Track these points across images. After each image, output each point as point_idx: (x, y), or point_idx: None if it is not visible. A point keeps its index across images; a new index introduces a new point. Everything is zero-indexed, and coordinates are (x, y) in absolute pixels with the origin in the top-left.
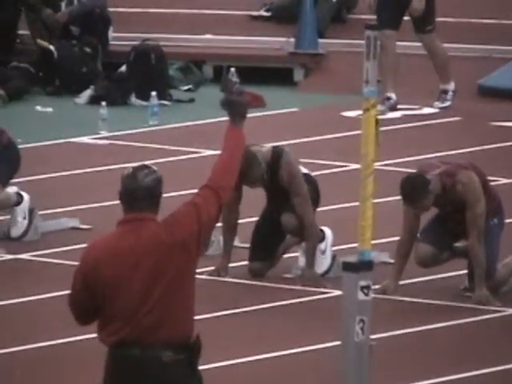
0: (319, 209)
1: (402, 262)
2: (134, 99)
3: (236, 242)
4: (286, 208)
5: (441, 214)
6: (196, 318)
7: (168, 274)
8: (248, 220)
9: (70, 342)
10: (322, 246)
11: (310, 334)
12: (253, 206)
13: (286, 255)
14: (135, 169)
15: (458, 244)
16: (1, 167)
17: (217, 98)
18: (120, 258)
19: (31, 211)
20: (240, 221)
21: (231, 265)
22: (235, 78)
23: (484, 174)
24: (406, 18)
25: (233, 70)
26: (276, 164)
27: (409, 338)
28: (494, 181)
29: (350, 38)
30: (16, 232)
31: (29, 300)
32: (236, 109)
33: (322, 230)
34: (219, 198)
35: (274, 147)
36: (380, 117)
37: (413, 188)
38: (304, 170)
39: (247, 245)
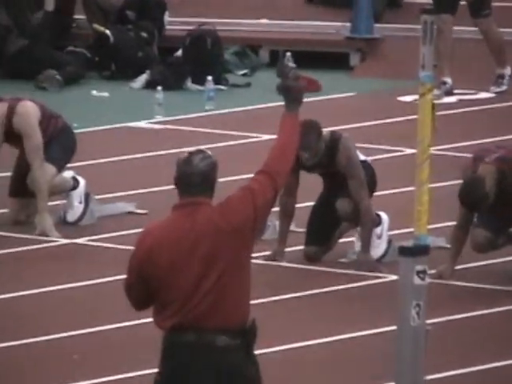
0: (376, 193)
1: (458, 247)
2: (189, 84)
3: (292, 227)
4: (341, 193)
5: (499, 198)
6: (252, 302)
7: (223, 259)
8: (305, 204)
9: (126, 326)
10: (378, 230)
11: (366, 319)
12: (310, 191)
13: (341, 240)
14: (190, 153)
15: None
16: (57, 152)
17: (273, 83)
18: (175, 243)
19: (87, 196)
20: (296, 205)
21: (287, 249)
22: (291, 63)
23: None
24: (462, 2)
25: (288, 54)
26: (334, 148)
27: (465, 323)
28: None
29: (405, 23)
30: (72, 216)
31: (84, 284)
32: (292, 94)
33: (378, 215)
34: (275, 183)
35: (332, 131)
36: (436, 101)
37: (472, 199)
38: (361, 157)
39: (303, 229)
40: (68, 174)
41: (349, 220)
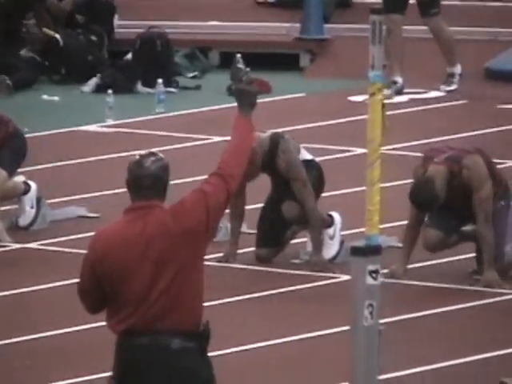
0: (327, 194)
1: (409, 247)
2: (140, 87)
3: (244, 228)
4: (287, 196)
5: (449, 198)
6: (205, 304)
7: (176, 262)
8: (255, 206)
9: (78, 330)
10: (330, 231)
11: (319, 320)
12: (259, 192)
13: (293, 240)
14: (142, 156)
15: (465, 228)
16: (8, 156)
17: (223, 85)
18: (127, 246)
19: (39, 200)
20: (247, 207)
21: (239, 251)
22: (241, 65)
23: (490, 157)
24: (411, 1)
25: (238, 56)
26: (274, 152)
27: (417, 322)
28: (501, 163)
29: (355, 23)
30: (24, 221)
31: (37, 289)
32: (245, 98)
33: (331, 216)
34: (228, 185)
35: (272, 134)
36: (386, 101)
37: (422, 199)
38: (308, 156)
39: (255, 231)
40: (19, 178)
41: (296, 223)
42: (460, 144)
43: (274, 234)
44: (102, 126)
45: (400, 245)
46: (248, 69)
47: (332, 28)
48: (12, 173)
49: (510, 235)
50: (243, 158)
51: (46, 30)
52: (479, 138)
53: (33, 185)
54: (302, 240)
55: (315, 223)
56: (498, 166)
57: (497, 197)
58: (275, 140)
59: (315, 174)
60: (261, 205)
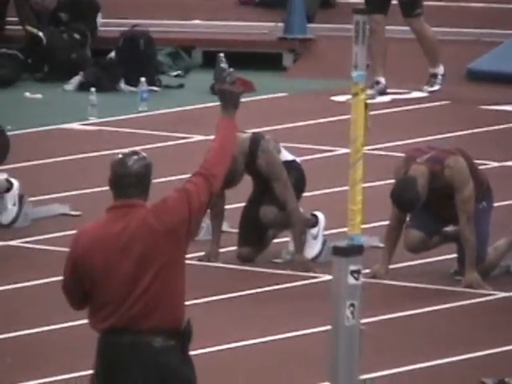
0: (309, 194)
1: (391, 247)
2: (123, 85)
3: (226, 227)
4: (266, 199)
5: (430, 199)
6: (186, 303)
7: (157, 260)
8: (237, 205)
9: (60, 328)
10: (314, 230)
11: (301, 319)
12: (241, 191)
13: (275, 240)
14: (124, 155)
15: (447, 229)
16: None
17: (206, 84)
18: (109, 244)
19: (21, 198)
20: (230, 206)
21: (221, 250)
22: (224, 64)
23: (471, 158)
24: (394, 2)
25: (222, 55)
26: (254, 153)
27: (399, 322)
28: (483, 164)
29: (338, 23)
30: (6, 218)
31: (19, 286)
32: (229, 98)
33: (315, 215)
34: (210, 185)
35: (253, 135)
36: (369, 101)
37: (404, 199)
38: (289, 157)
39: (237, 230)
40: (1, 176)
41: (274, 227)
42: (442, 145)
43: (256, 233)
44: (84, 125)
45: (382, 245)
46: (231, 69)
47: (315, 28)
48: None
49: (491, 236)
50: (226, 158)
51: (29, 27)
52: (461, 139)
53: (15, 182)
54: (284, 240)
55: (297, 223)
56: (480, 167)
57: (478, 198)
58: (255, 140)
59: (296, 174)
60: (242, 204)
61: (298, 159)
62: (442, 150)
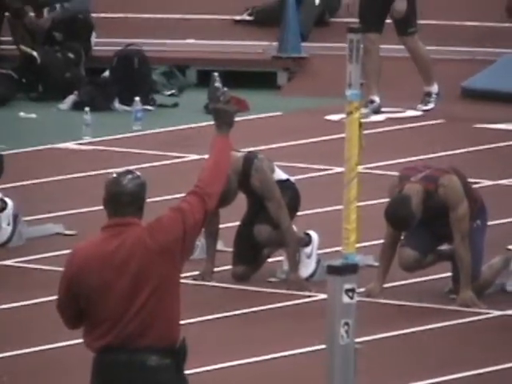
0: (303, 212)
1: (386, 265)
2: (117, 104)
3: (220, 246)
4: (260, 217)
5: (425, 217)
6: (182, 322)
7: (152, 279)
8: (232, 224)
9: (55, 347)
10: (307, 249)
11: (296, 338)
12: (236, 210)
13: (270, 259)
14: (119, 174)
15: (442, 248)
16: None
17: (200, 103)
18: (104, 263)
19: (15, 217)
20: (224, 225)
21: (216, 269)
22: (218, 83)
23: (465, 176)
24: (388, 20)
25: (216, 74)
26: (247, 172)
27: (394, 341)
28: (477, 183)
29: (333, 42)
30: (0, 238)
31: (13, 306)
32: (223, 117)
33: (308, 234)
34: (205, 204)
35: (246, 154)
36: (363, 120)
37: (398, 218)
38: (283, 176)
39: (231, 249)
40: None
41: (269, 245)
42: (436, 163)
43: (250, 252)
44: (79, 144)
45: (376, 264)
46: (225, 88)
47: (309, 46)
48: None
49: (486, 255)
50: (221, 177)
51: (23, 47)
52: (456, 158)
53: (9, 202)
54: (278, 258)
55: (291, 243)
56: (474, 186)
57: (473, 216)
58: (249, 159)
59: (290, 194)
60: (237, 223)
61: (292, 178)
62: (435, 168)
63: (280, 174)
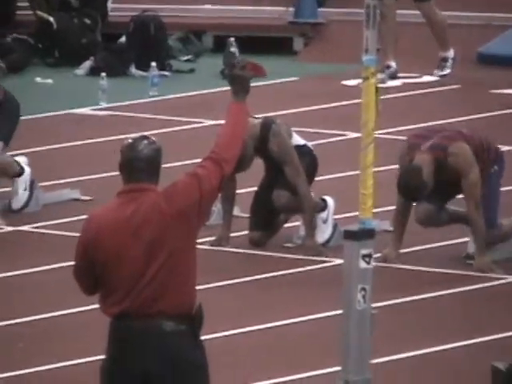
0: (320, 178)
1: (400, 230)
2: (133, 70)
3: (237, 212)
4: (280, 181)
5: (436, 186)
6: (198, 288)
7: (168, 244)
8: (249, 190)
9: (72, 312)
10: (323, 215)
11: (312, 303)
12: (253, 176)
13: (286, 225)
14: (134, 139)
15: (456, 209)
16: (1, 124)
17: (216, 69)
18: (119, 227)
19: (32, 183)
20: (241, 190)
21: (232, 234)
22: (234, 48)
23: (474, 135)
24: None
25: (232, 39)
26: (265, 137)
27: (410, 306)
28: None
29: (349, 7)
30: (17, 204)
31: (30, 271)
32: (239, 83)
33: (323, 199)
34: (222, 169)
35: (264, 119)
36: (380, 85)
37: (410, 189)
38: (301, 142)
39: (248, 214)
40: (21, 159)
41: (286, 211)
42: (444, 127)
43: (267, 217)
44: (95, 109)
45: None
46: (237, 52)
47: (326, 12)
48: (8, 140)
49: (502, 217)
50: (237, 143)
51: (39, 12)
52: (472, 123)
53: (26, 168)
54: (295, 224)
55: (308, 209)
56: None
57: (490, 163)
58: (267, 125)
59: (308, 159)
60: (254, 188)
61: (310, 144)
62: (443, 135)
63: (298, 140)
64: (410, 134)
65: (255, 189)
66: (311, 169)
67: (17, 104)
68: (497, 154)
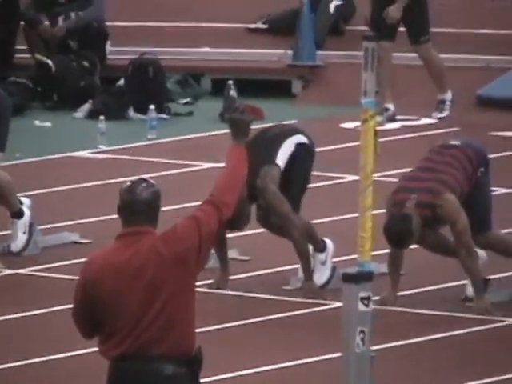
0: (319, 220)
1: (396, 273)
2: (132, 113)
3: (235, 255)
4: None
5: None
6: (197, 331)
7: (167, 288)
8: (247, 232)
9: (70, 356)
10: (322, 256)
11: (311, 346)
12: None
13: (285, 267)
14: (133, 183)
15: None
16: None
17: (215, 111)
18: (119, 271)
19: (31, 226)
20: (238, 234)
21: (230, 277)
22: (233, 91)
23: (459, 158)
24: (401, 29)
25: (230, 82)
26: (253, 196)
27: (409, 349)
28: (492, 191)
29: (347, 50)
30: (16, 247)
31: (28, 315)
32: (239, 127)
33: (323, 241)
34: (221, 213)
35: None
36: (378, 128)
37: (400, 239)
38: (303, 139)
39: (246, 257)
40: (25, 201)
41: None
42: (428, 166)
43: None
44: (93, 153)
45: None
46: (236, 96)
47: (324, 55)
48: (4, 147)
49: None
50: (237, 186)
51: (38, 55)
52: None
53: (26, 210)
54: (293, 267)
55: (303, 254)
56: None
57: (476, 166)
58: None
59: (308, 161)
60: (250, 232)
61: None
62: (427, 188)
63: (301, 139)
64: (391, 191)
65: (251, 232)
66: (308, 175)
67: (6, 105)
68: (479, 158)
